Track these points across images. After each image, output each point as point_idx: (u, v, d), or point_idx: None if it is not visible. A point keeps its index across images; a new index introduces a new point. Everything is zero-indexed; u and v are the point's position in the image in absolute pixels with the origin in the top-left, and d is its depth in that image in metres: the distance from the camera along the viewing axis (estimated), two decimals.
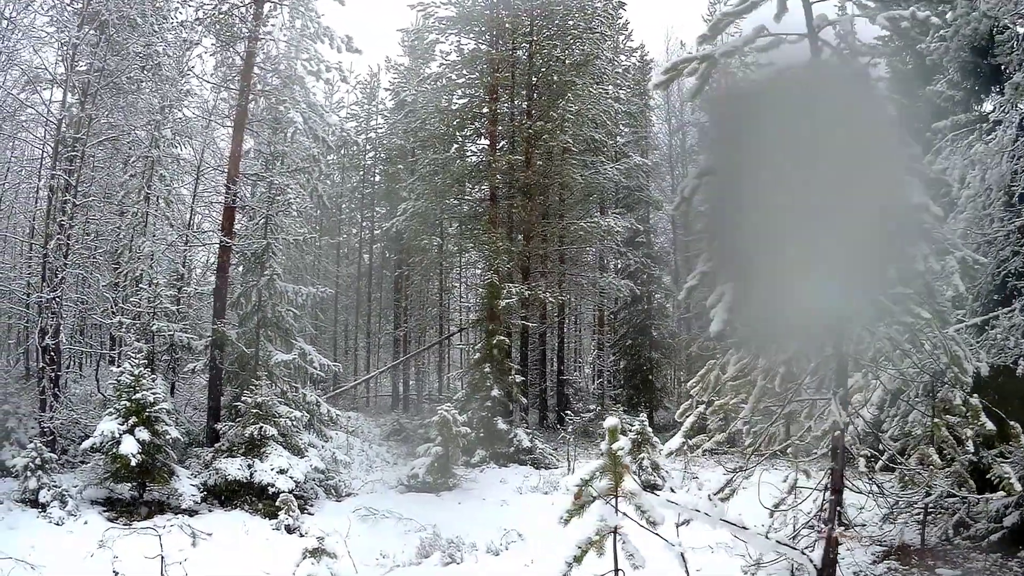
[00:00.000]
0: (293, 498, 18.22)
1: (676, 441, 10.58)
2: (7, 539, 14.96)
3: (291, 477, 19.20)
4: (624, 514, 7.96)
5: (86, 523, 16.83)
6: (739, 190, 8.82)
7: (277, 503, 18.07)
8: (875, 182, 8.43)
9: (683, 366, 39.03)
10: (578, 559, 8.09)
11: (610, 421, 7.87)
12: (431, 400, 40.21)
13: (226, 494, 19.28)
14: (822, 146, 8.19)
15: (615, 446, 7.88)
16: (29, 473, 17.31)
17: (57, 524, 16.55)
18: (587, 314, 48.18)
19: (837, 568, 9.79)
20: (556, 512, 17.95)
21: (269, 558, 15.64)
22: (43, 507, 16.97)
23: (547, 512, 18.70)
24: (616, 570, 8.24)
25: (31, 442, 18.19)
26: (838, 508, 9.68)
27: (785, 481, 11.25)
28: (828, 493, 9.78)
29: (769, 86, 9.30)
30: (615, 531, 8.15)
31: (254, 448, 19.68)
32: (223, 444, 20.30)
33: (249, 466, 19.25)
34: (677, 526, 9.00)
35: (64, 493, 17.27)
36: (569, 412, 32.39)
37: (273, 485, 18.90)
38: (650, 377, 38.72)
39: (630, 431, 21.78)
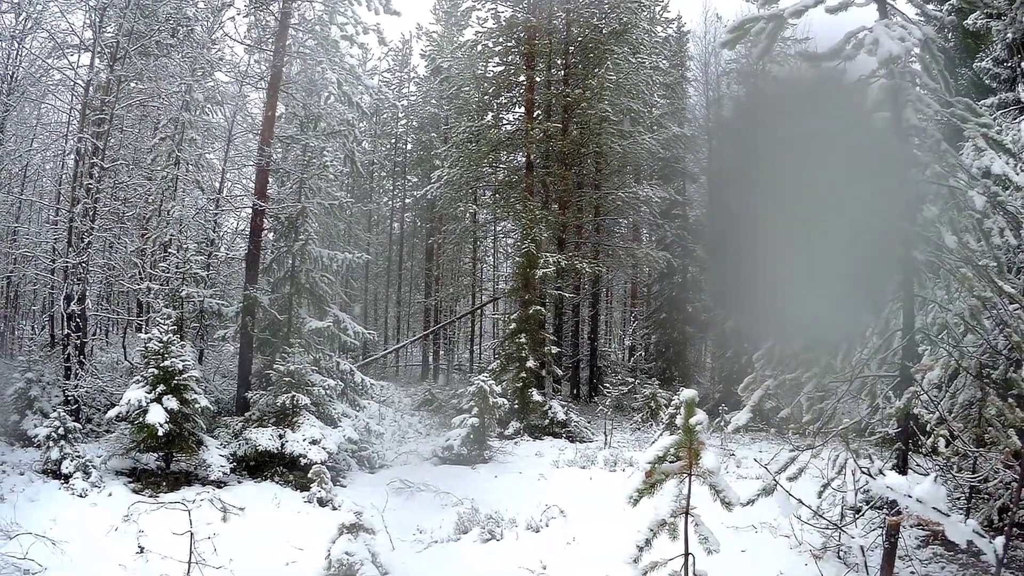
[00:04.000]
0: (326, 470, 17.71)
1: (744, 416, 9.91)
2: (28, 512, 14.45)
3: (324, 448, 18.68)
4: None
5: (110, 495, 16.38)
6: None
7: (309, 475, 17.55)
8: None
9: (717, 341, 38.37)
10: (648, 542, 7.52)
11: (687, 393, 7.24)
12: (462, 371, 39.80)
13: (256, 465, 18.81)
14: None
15: (692, 420, 7.27)
16: (52, 443, 16.88)
17: (80, 496, 16.07)
18: (620, 287, 47.61)
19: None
20: (595, 487, 17.55)
21: (302, 533, 15.14)
22: (66, 478, 16.52)
23: (586, 487, 18.38)
24: (687, 554, 7.66)
25: (54, 411, 17.73)
26: None
27: (835, 461, 10.65)
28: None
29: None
30: (687, 512, 7.56)
31: (286, 418, 19.17)
32: (253, 413, 19.79)
33: (280, 436, 18.75)
34: (742, 505, 8.43)
35: (88, 464, 16.79)
36: (604, 385, 31.88)
37: (305, 456, 18.38)
38: (684, 351, 38.14)
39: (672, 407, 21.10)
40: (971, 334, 10.38)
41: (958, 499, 12.74)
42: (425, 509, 17.11)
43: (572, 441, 25.18)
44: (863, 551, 11.20)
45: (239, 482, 18.12)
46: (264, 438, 18.74)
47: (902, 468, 9.08)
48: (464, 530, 15.56)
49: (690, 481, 7.66)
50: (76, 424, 18.05)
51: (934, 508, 6.60)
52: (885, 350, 10.09)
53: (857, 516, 11.52)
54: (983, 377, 10.36)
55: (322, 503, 17.22)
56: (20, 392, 18.98)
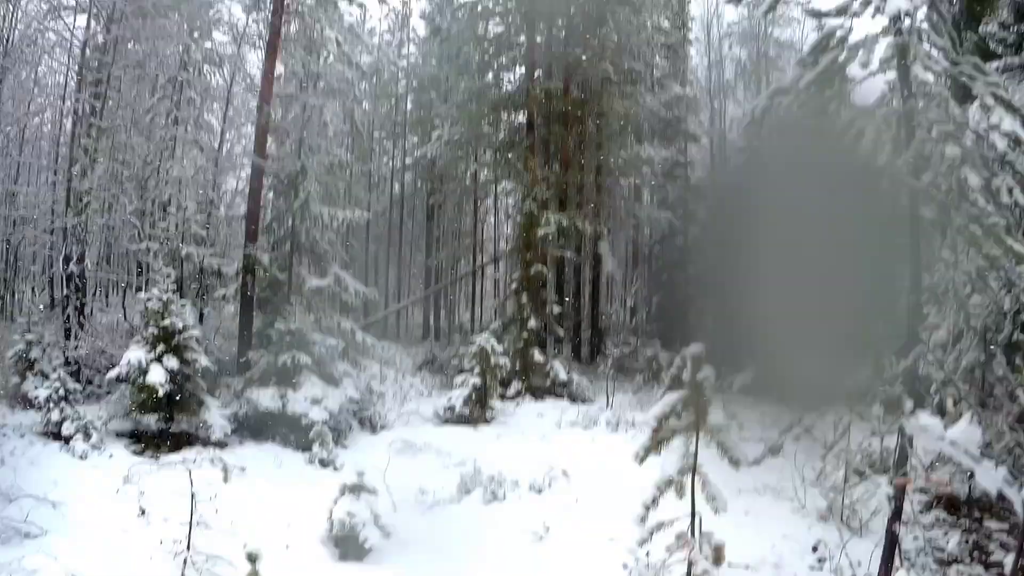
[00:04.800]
0: (327, 430, 17.72)
1: (749, 375, 9.78)
2: (29, 475, 14.32)
3: (325, 407, 18.63)
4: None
5: (111, 456, 16.33)
6: None
7: (311, 435, 17.58)
8: None
9: (719, 302, 38.10)
10: (655, 500, 7.49)
11: (694, 348, 7.19)
12: (463, 332, 39.68)
13: (258, 426, 18.76)
14: None
15: (700, 376, 7.22)
16: (52, 404, 16.82)
17: (81, 458, 16.04)
18: (621, 248, 47.36)
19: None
20: (597, 449, 17.53)
21: (303, 493, 15.14)
22: (66, 440, 16.46)
23: (588, 448, 18.34)
24: (693, 513, 7.62)
25: (55, 372, 17.67)
26: (907, 454, 9.10)
27: (839, 423, 10.57)
28: (898, 436, 9.17)
29: None
30: (694, 471, 7.52)
31: (287, 377, 19.09)
32: (255, 373, 19.72)
33: (282, 396, 18.69)
34: (748, 465, 8.38)
35: (88, 425, 16.71)
36: (605, 346, 31.79)
37: (307, 415, 18.32)
38: (685, 313, 37.96)
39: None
40: (977, 295, 10.29)
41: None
42: (427, 470, 17.09)
43: (574, 402, 25.12)
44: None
45: (241, 443, 18.09)
46: (266, 398, 18.70)
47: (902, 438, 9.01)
48: (467, 491, 15.55)
49: (697, 438, 7.62)
50: (76, 385, 18.04)
51: (966, 452, 6.53)
52: (890, 311, 9.98)
53: (861, 479, 11.50)
54: (988, 340, 10.28)
55: (324, 464, 17.23)
56: (20, 354, 18.79)
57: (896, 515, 9.18)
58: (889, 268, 9.78)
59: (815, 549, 12.12)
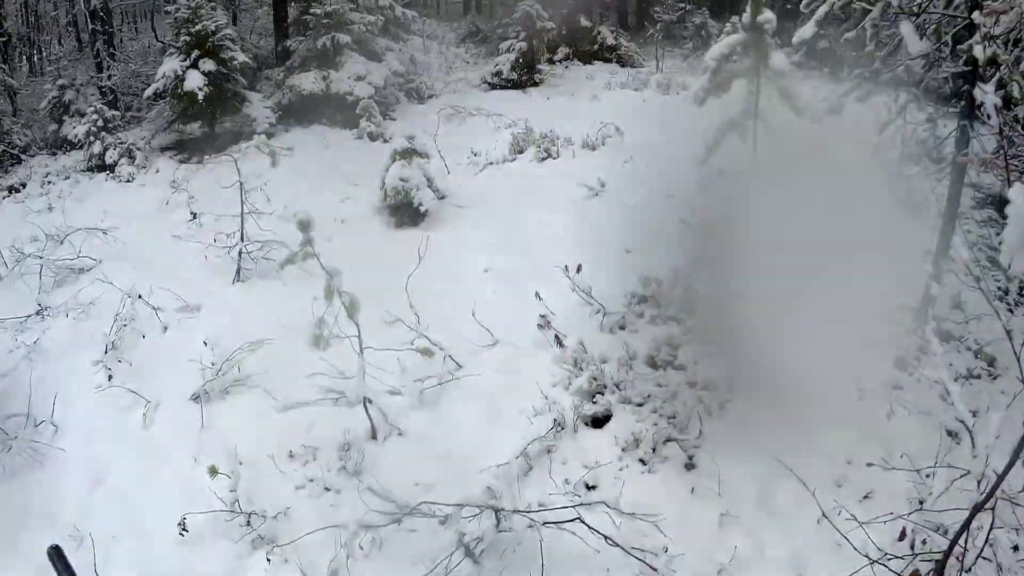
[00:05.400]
0: (374, 104, 17.31)
1: (809, 29, 8.92)
2: (76, 213, 14.28)
3: (369, 83, 18.10)
4: None
5: (157, 172, 16.29)
6: None
7: (357, 111, 17.20)
8: None
9: None
10: (717, 142, 7.13)
11: None
12: (505, 4, 38.33)
13: (302, 111, 18.37)
14: None
15: (760, 18, 6.66)
16: (92, 138, 16.68)
17: (127, 182, 16.04)
18: None
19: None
20: (648, 109, 16.94)
21: (354, 168, 14.93)
22: (111, 168, 16.42)
23: (640, 108, 17.82)
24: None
25: (91, 107, 17.33)
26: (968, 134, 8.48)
27: (895, 103, 9.86)
28: (959, 119, 8.52)
29: None
30: (756, 116, 7.10)
31: (328, 59, 18.46)
32: (294, 61, 19.18)
33: (324, 78, 18.15)
34: None
35: (131, 148, 16.65)
36: (653, 12, 30.52)
37: (351, 93, 17.84)
38: None
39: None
40: None
41: None
42: (478, 132, 16.71)
43: (623, 66, 24.37)
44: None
45: (286, 130, 17.75)
46: (308, 82, 18.23)
47: (969, 111, 8.34)
48: (519, 150, 15.21)
49: (759, 80, 7.19)
50: (115, 113, 17.94)
51: None
52: None
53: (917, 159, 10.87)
54: None
55: (372, 137, 16.94)
56: (54, 101, 18.68)
57: (956, 196, 8.69)
58: None
59: None
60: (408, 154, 12.83)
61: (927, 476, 6.45)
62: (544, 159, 14.67)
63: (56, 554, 3.50)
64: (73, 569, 3.46)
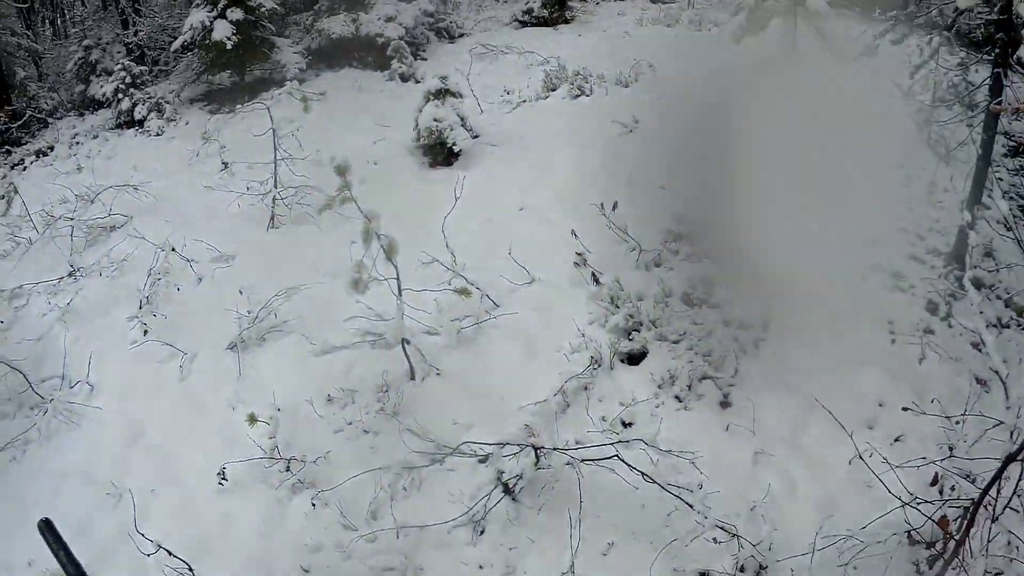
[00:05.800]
0: (405, 44, 17.16)
1: None
2: (106, 170, 14.24)
3: (400, 23, 17.90)
4: None
5: (187, 124, 16.24)
6: None
7: (388, 52, 17.07)
8: None
9: None
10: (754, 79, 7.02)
11: None
12: None
13: (333, 54, 18.19)
14: None
15: None
16: (120, 95, 16.61)
17: (157, 135, 16.00)
18: None
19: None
20: (680, 46, 16.68)
21: (386, 109, 14.85)
22: (140, 124, 16.36)
23: (672, 44, 17.50)
24: None
25: (117, 65, 17.27)
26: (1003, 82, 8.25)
27: (929, 44, 9.60)
28: (993, 67, 8.27)
29: None
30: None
31: (357, 1, 18.31)
32: (322, 4, 18.95)
33: (354, 20, 17.96)
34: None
35: (160, 102, 16.58)
36: None
37: (381, 35, 17.65)
38: None
39: None
40: None
41: None
42: (510, 71, 16.48)
43: (654, 2, 23.95)
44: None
45: (317, 75, 17.60)
46: (337, 25, 18.04)
47: (1003, 59, 8.11)
48: (552, 88, 15.01)
49: (796, 19, 7.06)
50: (142, 68, 17.82)
51: None
52: None
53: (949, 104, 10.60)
54: None
55: (404, 78, 16.81)
56: (80, 62, 18.62)
57: (988, 144, 8.49)
58: None
59: None
60: (441, 94, 12.72)
61: (956, 423, 6.45)
62: (577, 96, 14.49)
63: (47, 527, 3.54)
64: (64, 541, 3.50)
